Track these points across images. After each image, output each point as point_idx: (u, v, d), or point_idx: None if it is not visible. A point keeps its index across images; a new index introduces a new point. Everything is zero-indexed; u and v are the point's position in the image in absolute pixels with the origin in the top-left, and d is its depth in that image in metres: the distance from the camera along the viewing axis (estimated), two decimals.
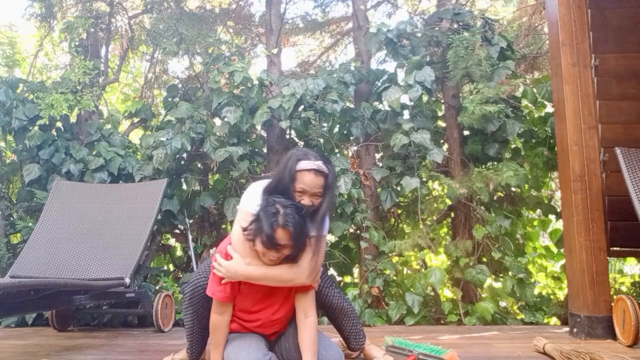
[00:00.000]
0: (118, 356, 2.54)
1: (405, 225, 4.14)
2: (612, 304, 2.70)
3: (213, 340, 1.91)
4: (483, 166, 3.80)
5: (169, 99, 4.35)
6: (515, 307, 3.70)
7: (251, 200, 1.90)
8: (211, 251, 3.27)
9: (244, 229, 1.79)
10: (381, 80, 4.04)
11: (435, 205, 4.04)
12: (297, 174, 1.85)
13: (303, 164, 1.85)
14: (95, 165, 3.89)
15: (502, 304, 3.66)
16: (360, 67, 4.09)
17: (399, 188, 3.77)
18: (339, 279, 3.91)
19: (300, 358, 1.87)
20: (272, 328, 1.98)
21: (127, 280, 3.02)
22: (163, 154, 3.76)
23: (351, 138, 4.13)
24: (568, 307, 2.94)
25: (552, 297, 3.75)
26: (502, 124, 3.62)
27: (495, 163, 3.76)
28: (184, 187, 4.10)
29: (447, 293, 3.85)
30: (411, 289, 3.54)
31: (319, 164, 1.85)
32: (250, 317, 1.94)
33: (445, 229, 4.20)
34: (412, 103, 3.82)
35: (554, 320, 3.57)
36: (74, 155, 3.94)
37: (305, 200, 1.86)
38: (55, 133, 4.09)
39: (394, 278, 3.84)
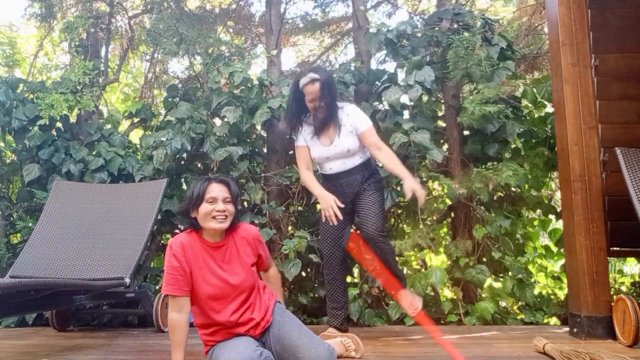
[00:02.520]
0: (118, 356, 2.54)
1: (405, 225, 4.14)
2: (612, 304, 2.70)
3: (173, 340, 1.90)
4: (483, 166, 3.80)
5: (169, 99, 4.34)
6: (515, 307, 3.70)
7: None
8: None
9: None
10: (381, 81, 4.03)
11: (435, 205, 4.03)
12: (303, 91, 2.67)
13: (302, 81, 2.67)
14: (95, 165, 3.89)
15: (502, 304, 3.66)
16: (360, 67, 4.08)
17: (399, 188, 3.77)
18: None
19: (288, 346, 1.90)
20: (253, 323, 1.99)
21: (127, 280, 3.02)
22: (163, 154, 3.75)
23: None
24: (568, 307, 2.94)
25: (552, 297, 3.75)
26: (502, 124, 3.62)
27: (495, 163, 3.76)
28: (184, 187, 4.10)
29: (447, 293, 3.85)
30: (411, 289, 3.54)
31: (311, 75, 2.63)
32: (233, 319, 1.96)
33: (445, 229, 4.20)
34: (412, 103, 3.81)
35: (554, 320, 3.57)
36: (74, 156, 3.94)
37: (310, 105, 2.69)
38: (55, 133, 4.09)
39: None
